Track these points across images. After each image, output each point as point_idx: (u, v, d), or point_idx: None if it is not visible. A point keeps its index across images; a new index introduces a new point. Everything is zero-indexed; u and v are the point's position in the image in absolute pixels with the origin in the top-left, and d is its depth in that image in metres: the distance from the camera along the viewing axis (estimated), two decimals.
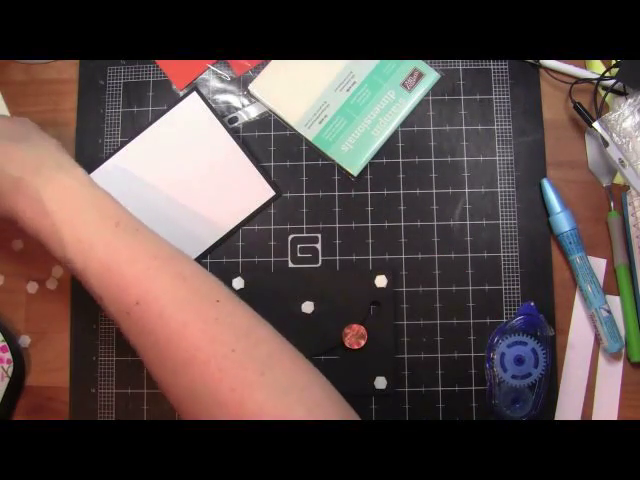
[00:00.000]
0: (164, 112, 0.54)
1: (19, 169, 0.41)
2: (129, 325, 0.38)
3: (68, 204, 0.40)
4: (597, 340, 0.51)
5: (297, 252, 0.53)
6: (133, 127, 0.55)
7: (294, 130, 0.54)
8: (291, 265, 0.53)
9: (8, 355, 0.52)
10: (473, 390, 0.50)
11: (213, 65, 0.55)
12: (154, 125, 0.54)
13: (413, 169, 0.53)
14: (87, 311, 0.53)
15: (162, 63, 0.56)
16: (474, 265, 0.52)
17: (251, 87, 0.55)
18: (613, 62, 0.52)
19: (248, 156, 0.53)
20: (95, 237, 0.39)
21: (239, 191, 0.53)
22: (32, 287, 0.54)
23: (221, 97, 0.55)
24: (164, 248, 0.40)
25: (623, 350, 0.50)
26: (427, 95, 0.54)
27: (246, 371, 0.35)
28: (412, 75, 0.54)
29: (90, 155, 0.55)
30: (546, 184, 0.51)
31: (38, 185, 0.40)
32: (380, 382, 0.50)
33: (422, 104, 0.54)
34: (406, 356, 0.51)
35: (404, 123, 0.54)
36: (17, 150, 0.42)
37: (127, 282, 0.37)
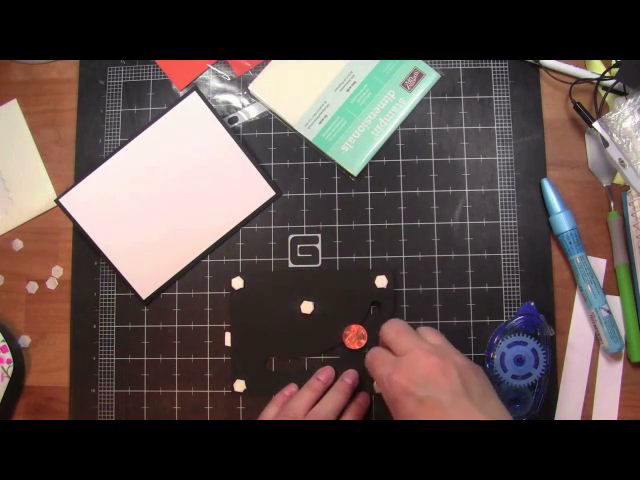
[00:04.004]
0: (164, 112, 0.54)
1: None
2: None
3: None
4: (597, 340, 0.51)
5: (297, 252, 0.53)
6: (133, 127, 0.55)
7: (294, 130, 0.54)
8: (291, 265, 0.53)
9: (8, 355, 0.52)
10: None
11: (213, 65, 0.55)
12: (154, 125, 0.54)
13: (413, 169, 0.53)
14: (87, 311, 0.53)
15: (162, 63, 0.56)
16: (474, 265, 0.52)
17: (251, 87, 0.55)
18: (613, 62, 0.52)
19: (248, 156, 0.53)
20: None
21: (239, 191, 0.53)
22: (32, 287, 0.54)
23: (221, 97, 0.55)
24: None
25: (623, 350, 0.50)
26: (427, 95, 0.54)
27: None
28: (412, 75, 0.54)
29: (90, 155, 0.55)
30: (546, 184, 0.51)
31: None
32: None
33: (422, 104, 0.54)
34: None
35: (404, 123, 0.54)
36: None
37: None
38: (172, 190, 0.53)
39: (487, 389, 0.40)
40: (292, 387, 0.50)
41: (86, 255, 0.54)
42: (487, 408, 0.38)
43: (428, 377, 0.38)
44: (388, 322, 0.44)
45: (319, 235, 0.53)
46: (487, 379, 0.41)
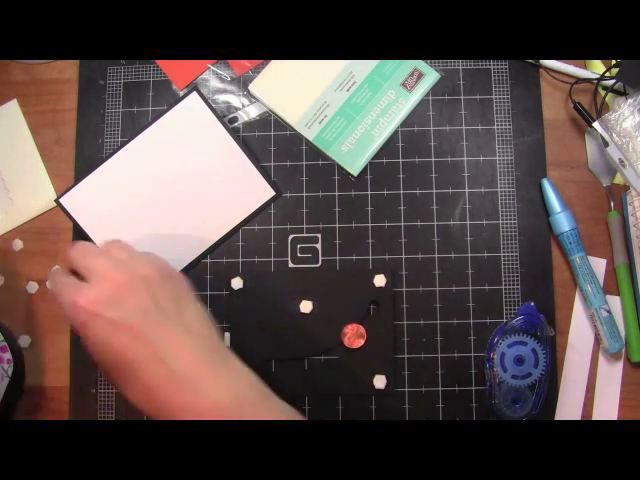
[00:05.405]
0: (164, 112, 0.54)
1: (186, 368, 0.37)
2: None
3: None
4: (597, 340, 0.51)
5: (297, 252, 0.53)
6: (133, 127, 0.55)
7: (294, 130, 0.54)
8: (291, 265, 0.53)
9: (8, 355, 0.52)
10: (473, 390, 0.50)
11: (213, 65, 0.55)
12: (154, 125, 0.54)
13: (413, 169, 0.53)
14: None
15: (162, 63, 0.56)
16: (474, 265, 0.52)
17: (251, 87, 0.55)
18: (613, 62, 0.52)
19: (248, 156, 0.53)
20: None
21: (239, 191, 0.53)
22: (32, 287, 0.54)
23: (221, 97, 0.55)
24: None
25: (623, 350, 0.50)
26: (427, 95, 0.54)
27: None
28: (412, 75, 0.54)
29: (90, 155, 0.55)
30: (546, 184, 0.51)
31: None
32: (380, 382, 0.50)
33: (422, 104, 0.54)
34: (406, 356, 0.51)
35: (404, 123, 0.54)
36: (182, 344, 0.37)
37: None
38: (172, 190, 0.53)
39: (183, 299, 0.39)
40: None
41: None
42: (186, 321, 0.38)
43: (114, 297, 0.37)
44: (73, 245, 0.42)
45: (319, 235, 0.53)
46: (183, 287, 0.39)
